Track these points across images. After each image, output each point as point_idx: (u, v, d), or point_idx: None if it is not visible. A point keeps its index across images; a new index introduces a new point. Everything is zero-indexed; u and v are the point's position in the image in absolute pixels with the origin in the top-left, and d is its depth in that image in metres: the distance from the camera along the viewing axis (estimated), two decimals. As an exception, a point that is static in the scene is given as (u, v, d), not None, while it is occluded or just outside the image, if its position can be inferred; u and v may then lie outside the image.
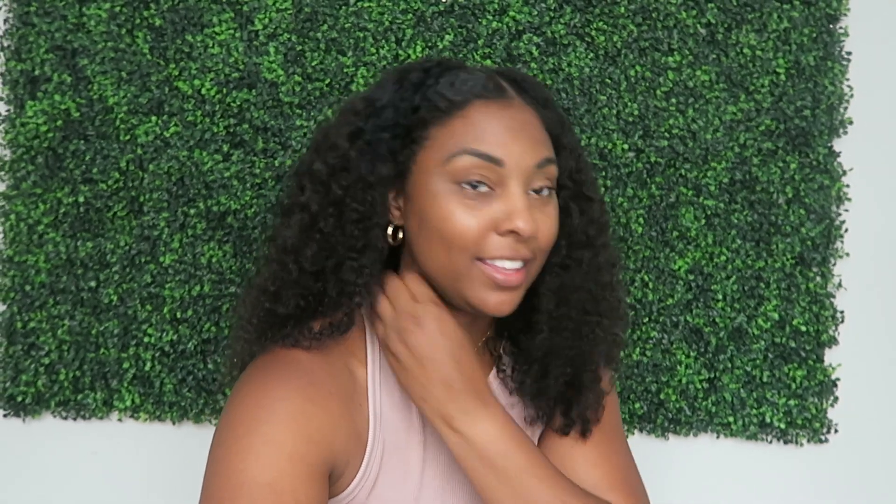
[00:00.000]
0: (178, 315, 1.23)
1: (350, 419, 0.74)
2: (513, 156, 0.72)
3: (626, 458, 0.88)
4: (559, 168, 0.78)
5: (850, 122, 1.28)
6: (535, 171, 0.73)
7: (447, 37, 1.24)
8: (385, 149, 0.75)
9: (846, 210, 1.28)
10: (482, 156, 0.72)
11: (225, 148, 1.23)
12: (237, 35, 1.24)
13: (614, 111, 1.26)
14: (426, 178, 0.74)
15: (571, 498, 0.73)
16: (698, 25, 1.27)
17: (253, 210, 1.23)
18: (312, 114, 1.24)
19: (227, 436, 0.71)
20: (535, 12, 1.25)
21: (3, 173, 1.24)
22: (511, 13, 1.25)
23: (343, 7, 1.24)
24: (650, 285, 1.26)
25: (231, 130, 1.23)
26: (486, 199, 0.72)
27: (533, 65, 1.25)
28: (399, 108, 0.75)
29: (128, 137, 1.23)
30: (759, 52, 1.26)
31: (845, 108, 1.28)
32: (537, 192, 0.75)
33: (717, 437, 1.28)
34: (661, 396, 1.26)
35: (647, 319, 1.26)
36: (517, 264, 0.73)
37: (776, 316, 1.26)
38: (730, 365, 1.27)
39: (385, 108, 0.76)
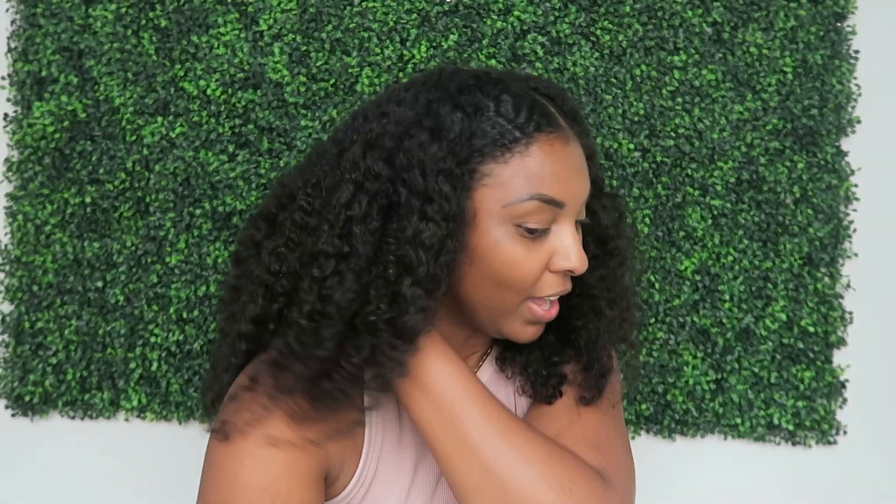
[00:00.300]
0: (185, 315, 1.24)
1: (346, 422, 0.74)
2: (574, 196, 0.71)
3: (616, 433, 0.82)
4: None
5: (858, 121, 1.27)
6: (582, 205, 0.73)
7: (452, 36, 1.24)
8: (469, 182, 0.68)
9: (854, 210, 1.27)
10: (549, 201, 0.68)
11: (230, 148, 1.24)
12: (242, 36, 1.24)
13: (620, 111, 1.25)
14: (483, 215, 0.69)
15: (530, 447, 0.67)
16: (704, 24, 1.26)
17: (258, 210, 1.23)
18: (317, 114, 1.24)
19: (222, 440, 0.71)
20: (540, 12, 1.25)
21: (10, 174, 1.24)
22: (516, 13, 1.25)
23: (348, 7, 1.24)
24: (657, 286, 1.26)
25: (236, 131, 1.24)
26: (542, 237, 0.70)
27: (538, 64, 1.24)
28: (466, 141, 0.67)
29: (134, 138, 1.24)
30: (765, 51, 1.26)
31: (853, 107, 1.27)
32: (581, 223, 0.75)
33: (725, 439, 1.28)
34: (668, 397, 1.26)
35: (653, 320, 1.26)
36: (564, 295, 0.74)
37: (784, 317, 1.25)
38: (737, 366, 1.26)
39: (459, 142, 0.67)
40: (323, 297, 0.67)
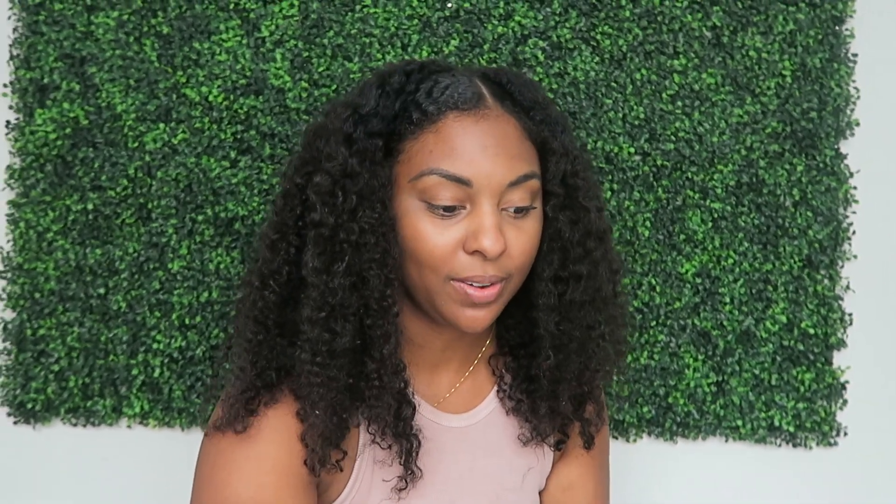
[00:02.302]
0: (187, 321, 1.24)
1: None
2: (483, 175, 0.69)
3: (607, 479, 0.90)
4: (547, 174, 0.74)
5: (857, 124, 1.28)
6: (510, 189, 0.70)
7: (453, 42, 1.25)
8: (380, 156, 0.71)
9: (853, 212, 1.28)
10: (450, 176, 0.68)
11: (232, 154, 1.24)
12: (244, 42, 1.24)
13: (620, 114, 1.26)
14: (398, 192, 0.71)
15: None
16: (703, 28, 1.27)
17: (261, 216, 1.23)
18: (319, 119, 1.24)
19: (211, 449, 0.71)
20: (541, 17, 1.26)
21: (12, 181, 1.24)
22: (516, 18, 1.25)
23: (349, 13, 1.25)
24: (657, 289, 1.26)
25: (238, 137, 1.24)
26: (457, 216, 0.70)
27: (538, 69, 1.25)
28: (383, 117, 0.71)
29: (136, 144, 1.24)
30: (764, 55, 1.26)
31: (852, 110, 1.28)
32: (516, 210, 0.71)
33: (726, 441, 1.28)
34: (670, 400, 1.26)
35: (654, 323, 1.26)
36: (488, 282, 0.71)
37: (784, 319, 1.26)
38: (738, 368, 1.26)
39: (370, 115, 0.71)
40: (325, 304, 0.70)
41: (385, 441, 0.74)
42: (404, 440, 0.74)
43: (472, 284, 0.70)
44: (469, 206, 0.70)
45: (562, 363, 0.78)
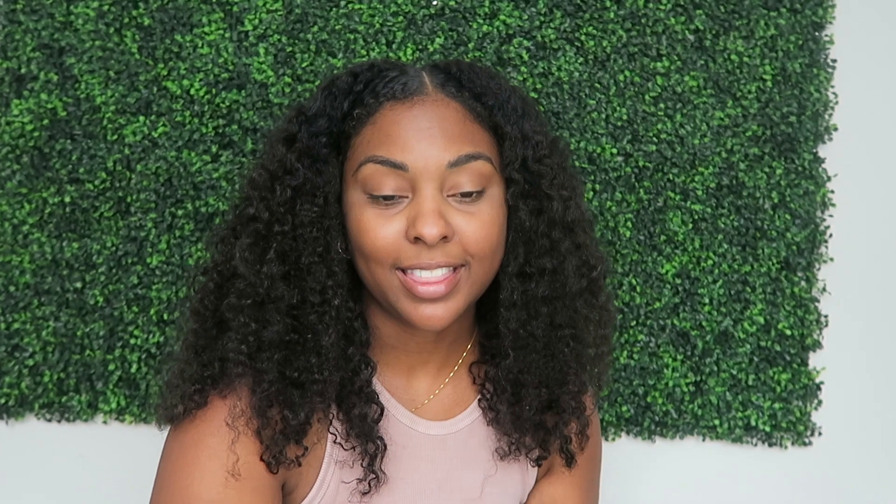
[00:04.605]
0: (165, 317, 1.22)
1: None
2: (420, 158, 0.67)
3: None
4: (503, 159, 0.71)
5: (835, 129, 1.30)
6: (452, 171, 0.67)
7: (438, 40, 1.24)
8: (324, 154, 0.70)
9: (831, 216, 1.30)
10: (385, 162, 0.67)
11: (214, 149, 1.23)
12: (227, 35, 1.23)
13: (603, 115, 1.26)
14: (346, 189, 0.70)
15: None
16: (686, 31, 1.28)
17: (242, 211, 1.22)
18: (302, 115, 1.23)
19: (173, 448, 0.70)
20: (526, 16, 1.26)
21: (-13, 172, 1.22)
22: (501, 17, 1.25)
23: (334, 9, 1.24)
24: (638, 289, 1.27)
25: (220, 131, 1.23)
26: (398, 205, 0.68)
27: (523, 69, 1.25)
28: (331, 117, 0.71)
29: (115, 137, 1.22)
30: (746, 59, 1.28)
31: (830, 115, 1.30)
32: (463, 194, 0.69)
33: (703, 440, 1.29)
34: (648, 399, 1.27)
35: (634, 323, 1.27)
36: (439, 273, 0.68)
37: (762, 320, 1.28)
38: (716, 368, 1.28)
39: (317, 116, 0.71)
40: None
41: (348, 442, 0.73)
42: (369, 442, 0.72)
43: (417, 277, 0.68)
44: (411, 195, 0.68)
45: (524, 364, 0.74)
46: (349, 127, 0.71)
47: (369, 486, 0.73)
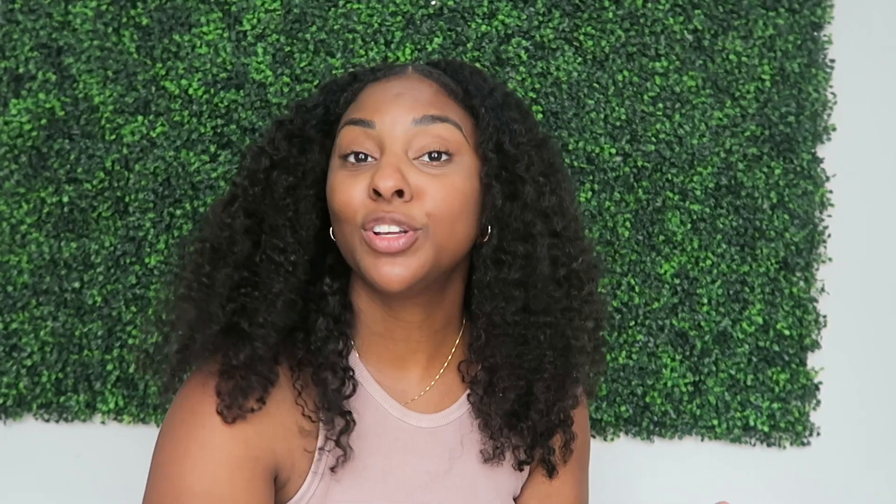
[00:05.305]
0: (164, 317, 1.22)
1: (294, 422, 0.72)
2: (386, 117, 0.70)
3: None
4: (477, 138, 0.73)
5: (834, 129, 1.30)
6: (419, 131, 0.69)
7: (436, 39, 1.24)
8: (311, 136, 0.75)
9: (829, 216, 1.30)
10: (356, 122, 0.71)
11: (212, 148, 1.22)
12: (225, 35, 1.23)
13: (602, 115, 1.26)
14: (330, 167, 0.74)
15: None
16: (685, 31, 1.28)
17: (240, 211, 1.22)
18: (300, 115, 1.23)
19: (165, 440, 0.70)
20: (524, 16, 1.26)
21: (-15, 172, 1.22)
22: (500, 17, 1.25)
23: (332, 9, 1.24)
24: (636, 289, 1.27)
25: (218, 131, 1.23)
26: (367, 166, 0.70)
27: (521, 68, 1.25)
28: (326, 107, 0.76)
29: (113, 137, 1.22)
30: (744, 59, 1.28)
31: (829, 115, 1.30)
32: (429, 156, 0.70)
33: (702, 440, 1.29)
34: (647, 399, 1.27)
35: (632, 323, 1.27)
36: (395, 229, 0.68)
37: (760, 320, 1.28)
38: (714, 368, 1.28)
39: (311, 108, 0.77)
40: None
41: (315, 413, 0.72)
42: (337, 416, 0.72)
43: (378, 233, 0.68)
44: (379, 156, 0.70)
45: (496, 347, 0.74)
46: (340, 113, 0.75)
47: (336, 461, 0.72)
